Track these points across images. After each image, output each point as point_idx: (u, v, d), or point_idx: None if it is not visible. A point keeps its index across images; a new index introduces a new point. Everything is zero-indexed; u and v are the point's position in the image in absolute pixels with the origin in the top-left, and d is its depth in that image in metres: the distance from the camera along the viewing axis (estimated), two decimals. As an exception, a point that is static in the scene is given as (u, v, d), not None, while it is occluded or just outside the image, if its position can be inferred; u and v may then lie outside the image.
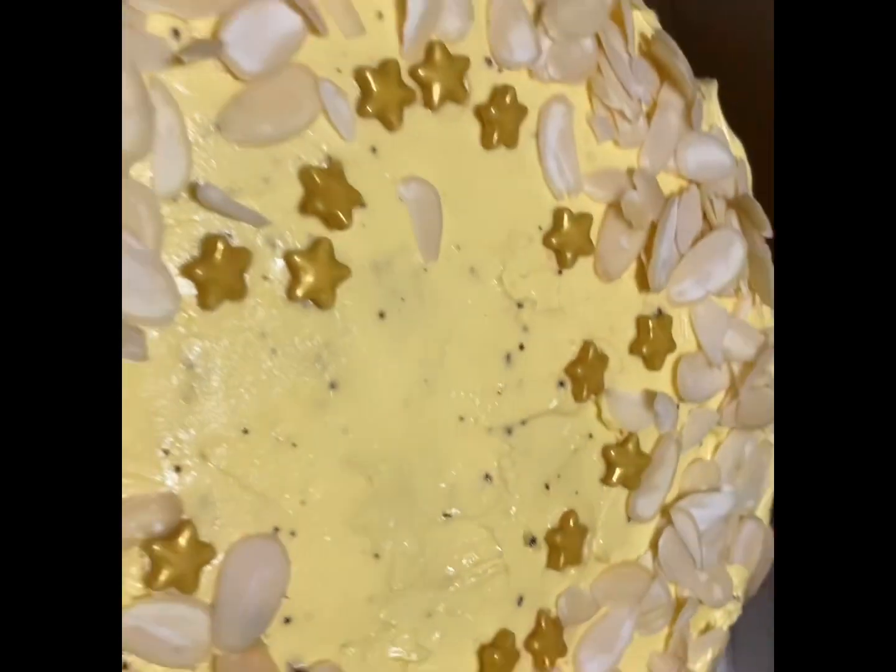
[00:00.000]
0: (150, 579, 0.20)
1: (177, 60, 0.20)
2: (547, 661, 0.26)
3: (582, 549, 0.26)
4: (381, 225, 0.22)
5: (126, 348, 0.19)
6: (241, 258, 0.20)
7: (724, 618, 0.30)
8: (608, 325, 0.26)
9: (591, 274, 0.26)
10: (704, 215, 0.27)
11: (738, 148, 0.29)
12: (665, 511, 0.28)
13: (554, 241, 0.25)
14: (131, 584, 0.20)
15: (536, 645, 0.26)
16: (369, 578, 0.23)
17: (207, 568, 0.21)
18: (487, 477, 0.24)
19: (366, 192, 0.22)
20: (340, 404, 0.22)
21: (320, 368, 0.22)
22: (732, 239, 0.27)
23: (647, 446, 0.27)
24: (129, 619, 0.20)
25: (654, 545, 0.28)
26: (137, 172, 0.19)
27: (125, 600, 0.20)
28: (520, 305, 0.25)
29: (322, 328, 0.22)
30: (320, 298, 0.21)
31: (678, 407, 0.27)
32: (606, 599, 0.27)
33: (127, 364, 0.19)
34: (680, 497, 0.28)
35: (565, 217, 0.25)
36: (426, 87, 0.23)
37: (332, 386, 0.22)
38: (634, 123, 0.26)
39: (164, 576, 0.20)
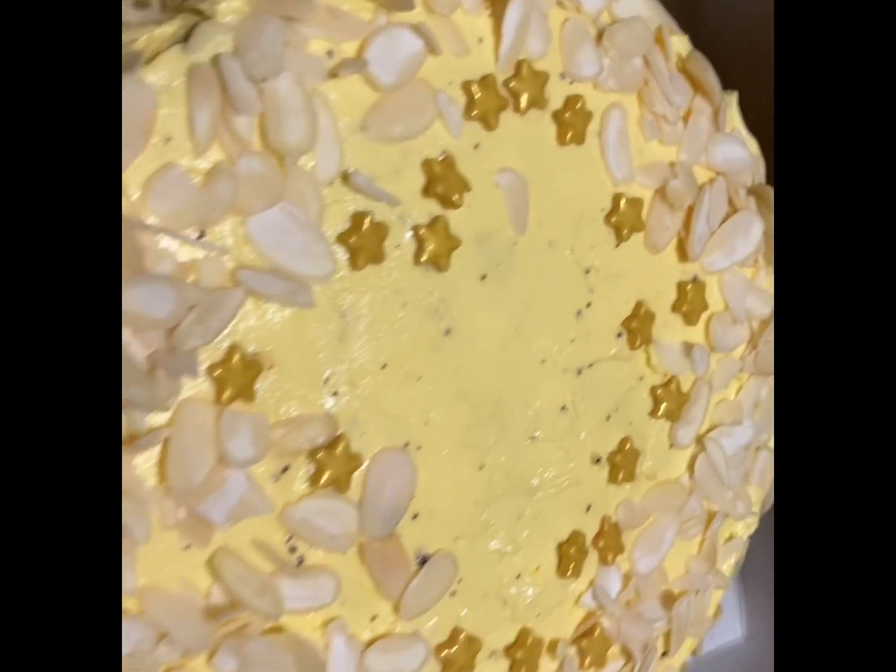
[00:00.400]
0: (313, 481, 0.23)
1: (332, 75, 0.22)
2: (609, 557, 0.28)
3: (635, 468, 0.29)
4: (482, 206, 0.25)
5: (298, 298, 0.22)
6: (380, 230, 0.23)
7: (744, 529, 0.32)
8: (655, 289, 0.29)
9: (641, 247, 0.28)
10: (730, 200, 0.30)
11: (754, 146, 0.31)
12: (699, 440, 0.30)
13: (613, 220, 0.28)
14: (299, 485, 0.23)
15: (601, 543, 0.28)
16: (475, 486, 0.26)
17: (357, 473, 0.24)
18: (563, 408, 0.27)
19: (471, 179, 0.25)
20: (452, 348, 0.25)
21: (437, 319, 0.25)
22: (752, 219, 0.30)
23: (685, 387, 0.30)
24: (297, 512, 0.23)
25: (690, 468, 0.30)
26: (303, 162, 0.22)
27: (295, 498, 0.23)
28: (587, 272, 0.27)
29: (439, 287, 0.25)
30: (438, 263, 0.24)
31: (710, 356, 0.30)
32: (654, 510, 0.29)
33: (299, 312, 0.22)
34: (710, 429, 0.31)
35: (622, 201, 0.28)
36: (516, 96, 0.25)
37: (447, 333, 0.25)
38: (674, 126, 0.29)
39: (324, 478, 0.23)
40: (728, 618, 0.45)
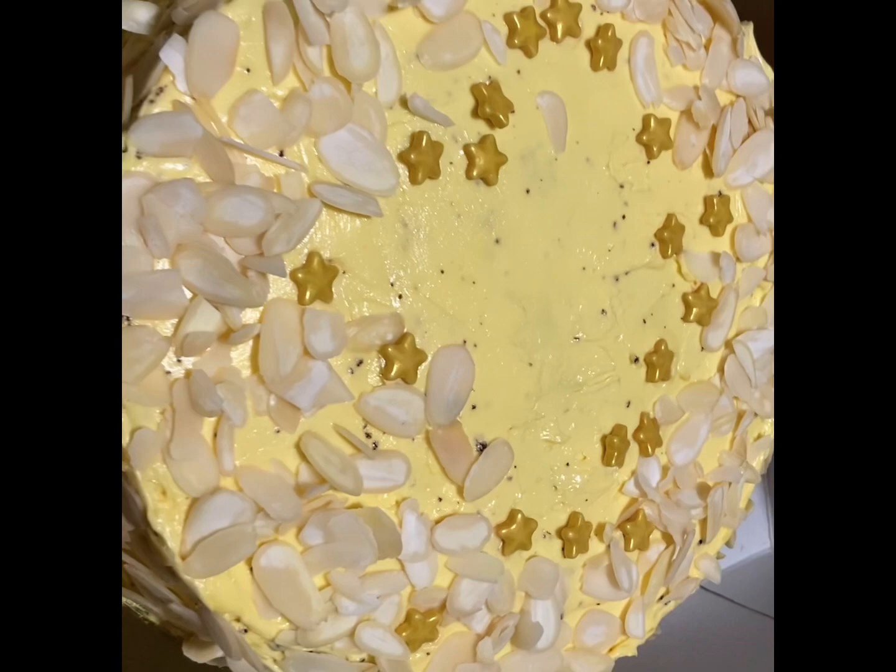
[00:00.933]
0: (384, 373, 0.26)
1: (390, 8, 0.25)
2: (649, 449, 0.31)
3: (670, 368, 0.32)
4: (525, 126, 0.28)
5: (367, 208, 0.25)
6: (436, 148, 0.26)
7: (771, 429, 0.35)
8: (684, 202, 0.31)
9: (670, 164, 0.31)
10: (750, 121, 0.32)
11: (770, 72, 0.34)
12: (728, 344, 0.33)
13: (644, 138, 0.30)
14: (373, 378, 0.26)
15: (641, 436, 0.31)
16: (526, 380, 0.29)
17: (421, 367, 0.26)
18: (603, 312, 0.30)
19: (515, 101, 0.27)
20: (502, 255, 0.28)
21: (488, 229, 0.27)
22: (770, 138, 0.33)
23: (714, 294, 0.32)
24: (371, 400, 0.26)
25: (720, 369, 0.33)
26: (367, 87, 0.25)
27: (369, 389, 0.26)
28: (621, 186, 0.30)
29: (489, 200, 0.27)
30: (487, 178, 0.27)
31: (736, 265, 0.33)
32: (688, 407, 0.32)
33: (366, 222, 0.25)
34: (738, 334, 0.33)
35: (651, 121, 0.30)
36: (552, 26, 0.28)
37: (497, 241, 0.28)
38: (697, 52, 0.31)
39: (394, 370, 0.26)
40: (757, 529, 0.48)
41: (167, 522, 0.23)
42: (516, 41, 0.27)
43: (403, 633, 0.27)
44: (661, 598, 0.33)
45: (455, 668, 0.28)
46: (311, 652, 0.26)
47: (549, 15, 0.28)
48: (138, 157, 0.22)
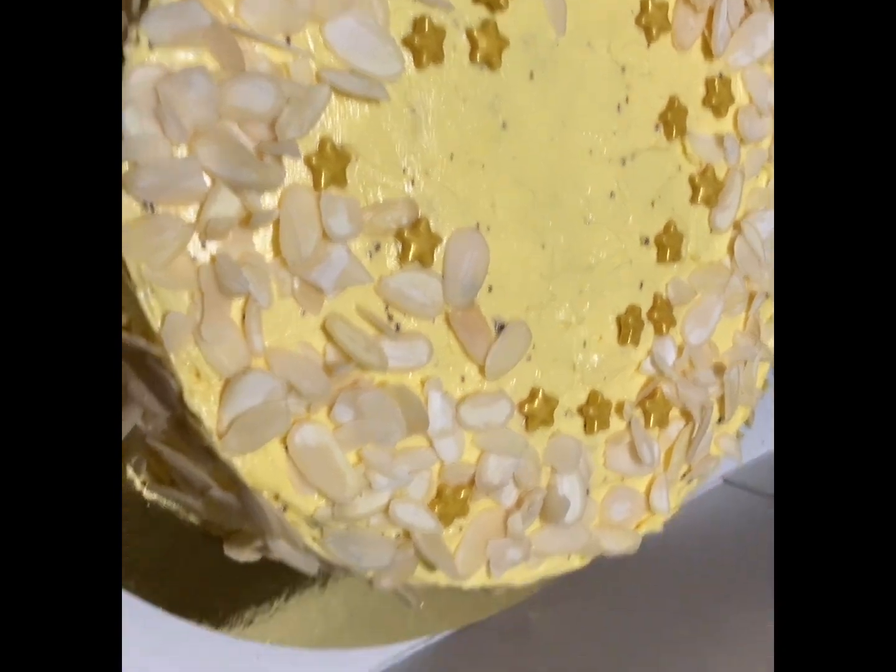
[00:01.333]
0: (402, 257, 0.27)
1: None
2: (664, 328, 0.32)
3: (680, 249, 0.32)
4: (525, 10, 0.28)
5: (373, 92, 0.25)
6: (439, 33, 0.27)
7: (784, 311, 0.36)
8: (685, 84, 0.32)
9: (670, 46, 0.32)
10: (746, 2, 0.33)
11: (765, -45, 0.34)
12: (736, 224, 0.34)
13: (643, 21, 0.31)
14: (392, 261, 0.27)
15: (655, 316, 0.32)
16: (540, 261, 0.29)
17: (437, 250, 0.27)
18: (612, 195, 0.31)
19: (513, -13, 0.28)
20: (509, 139, 0.28)
21: (494, 113, 0.28)
22: (767, 18, 0.33)
23: (720, 175, 0.33)
24: (391, 282, 0.27)
25: (730, 250, 0.34)
26: (369, -25, 0.26)
27: (388, 272, 0.27)
28: (623, 69, 0.31)
29: (493, 84, 0.28)
30: (491, 62, 0.28)
31: (740, 146, 0.33)
32: (700, 287, 0.33)
33: (375, 108, 0.26)
34: (746, 215, 0.34)
35: (649, 3, 0.31)
36: (546, -89, 0.29)
37: (503, 126, 0.28)
38: (691, -66, 0.32)
39: (411, 253, 0.27)
40: (764, 431, 0.49)
41: (203, 402, 0.25)
42: (511, -73, 0.28)
43: (435, 509, 0.28)
44: (684, 475, 0.34)
45: (487, 543, 0.29)
46: (348, 529, 0.27)
47: None
48: (150, 47, 0.23)
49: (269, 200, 0.25)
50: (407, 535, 0.28)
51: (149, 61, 0.23)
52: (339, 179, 0.25)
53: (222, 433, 0.25)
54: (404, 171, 0.27)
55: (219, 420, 0.25)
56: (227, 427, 0.25)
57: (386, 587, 0.28)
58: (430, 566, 0.29)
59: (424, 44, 0.26)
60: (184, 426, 0.26)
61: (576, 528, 0.31)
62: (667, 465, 0.33)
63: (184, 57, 0.23)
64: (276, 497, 0.26)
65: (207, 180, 0.24)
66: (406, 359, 0.27)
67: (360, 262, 0.26)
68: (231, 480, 0.26)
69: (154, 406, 0.26)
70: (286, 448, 0.26)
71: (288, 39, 0.25)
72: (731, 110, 0.33)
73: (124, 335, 0.24)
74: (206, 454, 0.26)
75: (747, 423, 0.36)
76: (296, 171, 0.25)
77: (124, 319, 0.25)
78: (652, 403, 0.32)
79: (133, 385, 0.26)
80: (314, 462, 0.26)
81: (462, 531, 0.29)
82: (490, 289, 0.28)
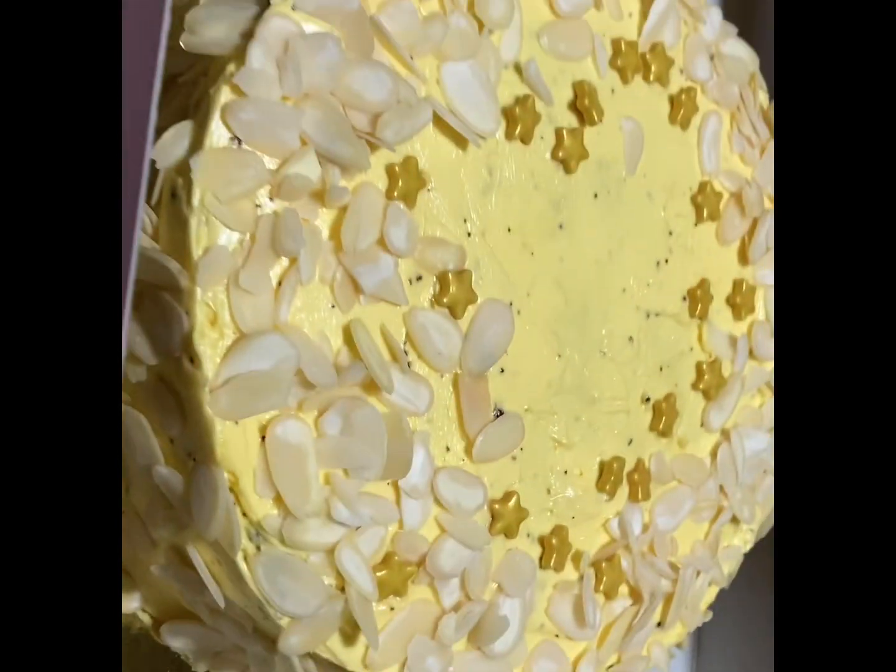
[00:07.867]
0: (437, 298, 0.29)
1: (527, -14, 0.31)
2: (638, 495, 0.34)
3: (672, 425, 0.35)
4: (608, 138, 0.33)
5: (470, 136, 0.29)
6: (535, 116, 0.31)
7: (741, 542, 0.39)
8: (717, 275, 0.37)
9: (713, 235, 0.36)
10: (784, 233, 0.38)
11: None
12: (724, 432, 0.37)
13: (698, 199, 0.36)
14: (426, 297, 0.29)
15: (636, 478, 0.34)
16: (552, 370, 0.32)
17: (469, 308, 0.30)
18: (631, 339, 0.34)
19: (605, 116, 0.33)
20: (562, 240, 0.32)
21: (557, 210, 0.32)
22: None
23: (725, 374, 0.37)
24: (419, 315, 0.29)
25: (713, 453, 0.37)
26: (494, 38, 0.30)
27: (420, 304, 0.29)
28: (671, 233, 0.35)
29: (563, 186, 0.32)
30: (569, 165, 0.32)
31: (748, 357, 0.37)
32: (679, 474, 0.36)
33: (462, 152, 0.30)
34: (735, 426, 0.38)
35: (707, 188, 0.36)
36: (647, 66, 0.34)
37: (560, 226, 0.32)
38: (754, 151, 0.38)
39: (446, 299, 0.29)
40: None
41: (209, 348, 0.26)
42: (618, 62, 0.33)
43: (378, 574, 0.29)
44: (610, 667, 0.35)
45: (412, 638, 0.29)
46: (285, 556, 0.27)
47: (647, 56, 0.34)
48: (293, 8, 0.27)
49: (346, 182, 0.27)
50: (341, 588, 0.28)
51: (288, 15, 0.27)
52: (409, 198, 0.28)
53: (215, 388, 0.26)
54: (465, 221, 0.30)
55: (217, 374, 0.26)
56: (221, 384, 0.26)
57: (292, 649, 0.28)
58: (349, 638, 0.29)
59: (523, 117, 0.30)
60: (166, 379, 0.27)
61: (500, 665, 0.31)
62: (602, 641, 0.34)
63: (316, 29, 0.27)
64: (233, 486, 0.27)
65: (298, 142, 0.26)
66: (407, 399, 0.29)
67: (402, 282, 0.28)
68: (189, 452, 0.27)
69: (143, 351, 0.27)
70: (262, 438, 0.27)
71: (412, 56, 0.29)
72: (749, 319, 0.38)
73: (153, 254, 0.26)
74: (180, 414, 0.27)
75: (680, 645, 0.37)
76: (375, 173, 0.28)
77: (162, 243, 0.26)
78: (608, 566, 0.34)
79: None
80: (285, 461, 0.27)
81: (393, 612, 0.29)
82: (502, 370, 0.31)
